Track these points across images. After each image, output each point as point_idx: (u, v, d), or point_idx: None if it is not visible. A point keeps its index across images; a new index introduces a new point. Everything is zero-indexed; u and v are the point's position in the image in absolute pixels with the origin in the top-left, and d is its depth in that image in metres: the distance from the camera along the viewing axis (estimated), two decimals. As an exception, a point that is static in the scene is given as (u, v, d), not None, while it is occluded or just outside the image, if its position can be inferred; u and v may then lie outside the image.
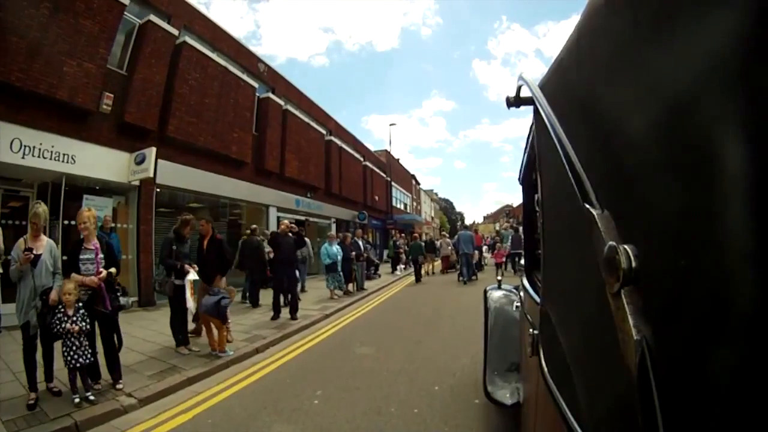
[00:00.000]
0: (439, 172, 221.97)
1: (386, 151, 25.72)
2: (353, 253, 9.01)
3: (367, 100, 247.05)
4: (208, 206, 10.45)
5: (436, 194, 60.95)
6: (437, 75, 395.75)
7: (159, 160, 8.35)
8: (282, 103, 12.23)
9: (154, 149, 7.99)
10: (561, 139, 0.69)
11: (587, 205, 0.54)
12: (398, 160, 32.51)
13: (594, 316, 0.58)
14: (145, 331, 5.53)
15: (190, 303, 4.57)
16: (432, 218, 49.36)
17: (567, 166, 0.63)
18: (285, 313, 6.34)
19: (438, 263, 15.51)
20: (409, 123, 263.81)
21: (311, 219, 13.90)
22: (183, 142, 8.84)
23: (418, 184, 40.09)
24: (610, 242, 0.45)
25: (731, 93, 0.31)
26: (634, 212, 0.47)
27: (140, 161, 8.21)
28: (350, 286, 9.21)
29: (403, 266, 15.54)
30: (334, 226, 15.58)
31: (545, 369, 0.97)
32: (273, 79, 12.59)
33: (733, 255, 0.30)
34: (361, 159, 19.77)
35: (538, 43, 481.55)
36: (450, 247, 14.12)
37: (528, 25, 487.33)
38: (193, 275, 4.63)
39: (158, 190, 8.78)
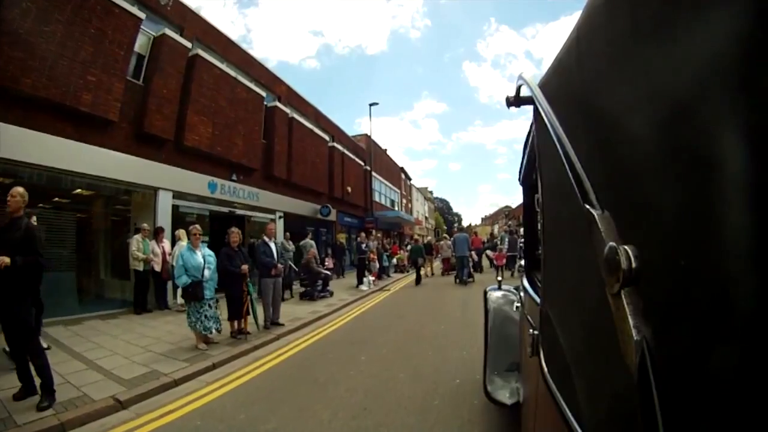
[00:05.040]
0: (435, 174, 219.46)
1: (366, 135, 21.57)
2: (244, 265, 5.39)
3: (359, 103, 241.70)
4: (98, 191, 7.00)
5: (431, 193, 57.18)
6: (428, 77, 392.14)
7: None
8: (188, 45, 8.64)
9: None
10: (561, 139, 0.68)
11: (587, 206, 0.53)
12: (385, 150, 28.78)
13: (594, 316, 0.59)
14: None
15: None
16: (426, 218, 45.63)
17: (567, 166, 0.62)
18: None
19: (436, 265, 16.04)
20: (401, 125, 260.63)
21: (239, 212, 10.34)
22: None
23: (409, 179, 36.17)
24: (611, 243, 0.45)
25: (731, 93, 0.31)
26: (635, 213, 0.47)
27: None
28: (245, 324, 5.34)
29: (372, 279, 11.86)
30: (281, 222, 11.99)
31: (545, 369, 0.97)
32: (181, 17, 8.97)
33: (733, 255, 0.30)
34: (328, 139, 16.03)
35: (528, 45, 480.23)
36: (450, 249, 13.77)
37: (516, 27, 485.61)
38: None
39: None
